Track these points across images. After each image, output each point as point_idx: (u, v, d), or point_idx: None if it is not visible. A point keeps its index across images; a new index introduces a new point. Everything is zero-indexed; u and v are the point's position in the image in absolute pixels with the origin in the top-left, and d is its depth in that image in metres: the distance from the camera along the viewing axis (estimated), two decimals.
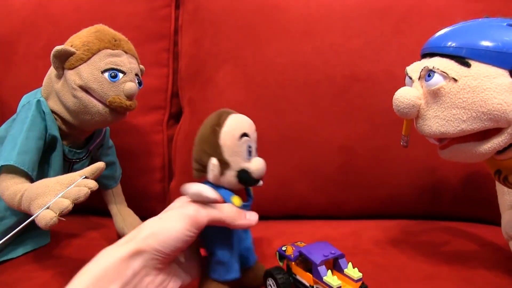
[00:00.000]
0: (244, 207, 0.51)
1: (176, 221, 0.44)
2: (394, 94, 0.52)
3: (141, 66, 0.73)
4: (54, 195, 0.51)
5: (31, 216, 0.51)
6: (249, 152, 0.50)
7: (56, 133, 0.68)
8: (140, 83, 0.71)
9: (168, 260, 0.45)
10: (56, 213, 0.49)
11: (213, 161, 0.49)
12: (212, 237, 0.50)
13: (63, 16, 0.94)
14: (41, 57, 0.92)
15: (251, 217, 0.49)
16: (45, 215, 0.49)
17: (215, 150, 0.49)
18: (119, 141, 0.86)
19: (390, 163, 0.81)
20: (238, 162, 0.49)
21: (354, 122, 0.81)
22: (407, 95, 0.51)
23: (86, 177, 0.53)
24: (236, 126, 0.50)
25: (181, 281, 0.48)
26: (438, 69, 0.48)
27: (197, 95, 0.91)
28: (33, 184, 0.57)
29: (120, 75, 0.66)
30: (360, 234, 0.76)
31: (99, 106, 0.66)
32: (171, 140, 0.96)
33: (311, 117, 0.82)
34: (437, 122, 0.50)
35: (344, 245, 0.71)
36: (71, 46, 0.66)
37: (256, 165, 0.50)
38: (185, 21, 0.96)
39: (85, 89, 0.65)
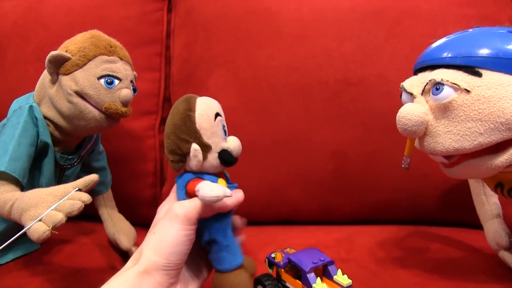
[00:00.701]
0: (232, 188, 0.50)
1: (169, 227, 0.45)
2: (397, 113, 0.49)
3: (135, 73, 0.73)
4: (47, 207, 0.51)
5: (22, 225, 0.51)
6: (225, 132, 0.51)
7: (48, 139, 0.68)
8: (135, 90, 0.71)
9: (177, 271, 0.45)
10: (49, 227, 0.49)
11: (195, 146, 0.48)
12: (209, 227, 0.49)
13: (54, 19, 0.94)
14: (31, 61, 0.91)
15: (238, 194, 0.49)
16: (37, 228, 0.49)
17: (194, 135, 0.48)
18: (110, 146, 0.86)
19: (382, 168, 0.81)
20: (217, 143, 0.49)
21: (347, 127, 0.81)
22: (414, 112, 0.48)
23: (79, 189, 0.53)
24: (208, 108, 0.50)
25: (196, 285, 0.49)
26: (447, 81, 0.46)
27: None
28: (24, 193, 0.56)
29: (116, 81, 0.67)
30: (353, 240, 0.76)
31: (95, 112, 0.66)
32: (163, 145, 0.92)
33: (304, 122, 0.82)
34: (450, 137, 0.47)
35: (337, 251, 0.72)
36: (66, 51, 0.66)
37: (234, 143, 0.51)
38: (177, 25, 0.96)
39: (81, 95, 0.65)
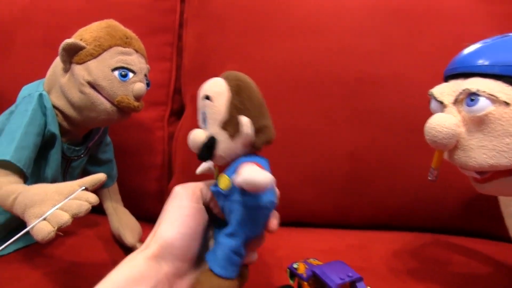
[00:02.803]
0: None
1: (170, 206, 0.46)
2: (426, 123, 0.47)
3: (147, 66, 0.73)
4: (52, 206, 0.50)
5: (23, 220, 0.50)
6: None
7: (56, 130, 0.67)
8: (148, 84, 0.70)
9: (184, 255, 0.44)
10: (54, 228, 0.48)
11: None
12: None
13: (63, 4, 0.93)
14: (40, 46, 0.91)
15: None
16: (42, 228, 0.48)
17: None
18: (117, 137, 0.85)
19: (400, 171, 0.79)
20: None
21: (364, 127, 0.79)
22: (445, 123, 0.45)
23: (86, 188, 0.52)
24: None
25: None
26: (484, 92, 0.43)
27: None
28: (29, 188, 0.55)
29: (130, 74, 0.66)
30: (369, 247, 0.74)
31: (107, 104, 0.65)
32: (171, 138, 0.94)
33: (318, 121, 0.80)
34: (485, 153, 0.44)
35: (352, 258, 0.68)
36: (81, 40, 0.65)
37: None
38: (191, 14, 0.94)
39: (94, 86, 0.65)
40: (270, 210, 0.46)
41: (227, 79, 0.48)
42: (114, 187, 0.84)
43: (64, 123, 0.69)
